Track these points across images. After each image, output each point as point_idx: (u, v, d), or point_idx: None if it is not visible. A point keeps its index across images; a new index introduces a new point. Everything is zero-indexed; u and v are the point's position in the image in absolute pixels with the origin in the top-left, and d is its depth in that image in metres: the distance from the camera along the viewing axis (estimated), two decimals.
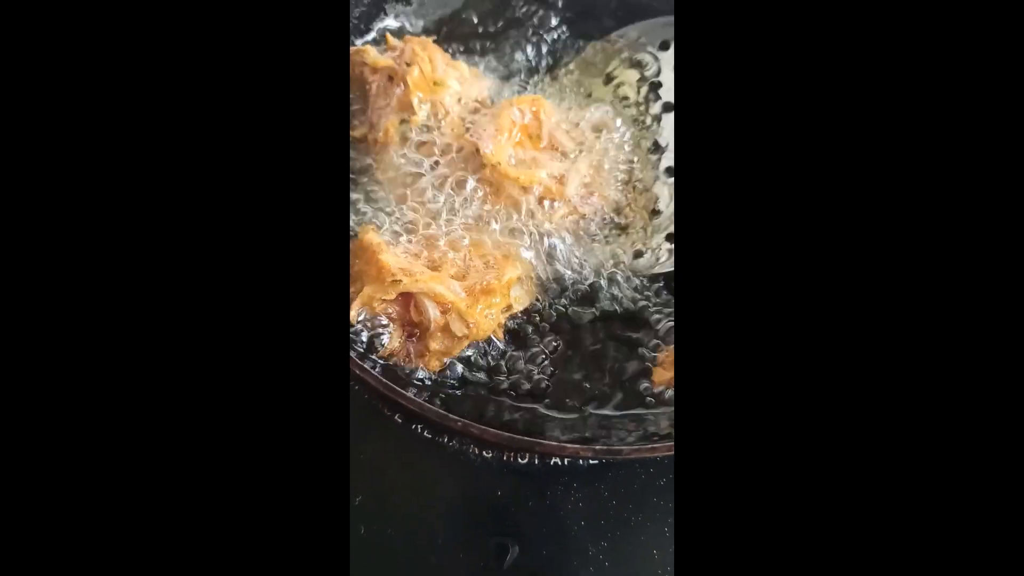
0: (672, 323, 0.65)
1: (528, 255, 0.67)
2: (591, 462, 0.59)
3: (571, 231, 0.69)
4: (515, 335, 0.65)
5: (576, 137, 0.72)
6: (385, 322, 0.62)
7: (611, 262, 0.69)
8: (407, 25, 0.84)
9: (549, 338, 0.65)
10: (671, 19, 0.77)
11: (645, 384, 0.63)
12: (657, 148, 0.74)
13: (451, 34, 0.84)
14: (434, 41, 0.74)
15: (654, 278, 0.68)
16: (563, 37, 0.85)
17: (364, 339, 0.62)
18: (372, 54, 0.72)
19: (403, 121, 0.69)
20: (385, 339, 0.61)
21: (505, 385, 0.63)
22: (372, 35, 0.83)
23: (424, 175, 0.68)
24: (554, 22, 0.85)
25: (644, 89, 0.77)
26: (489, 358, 0.64)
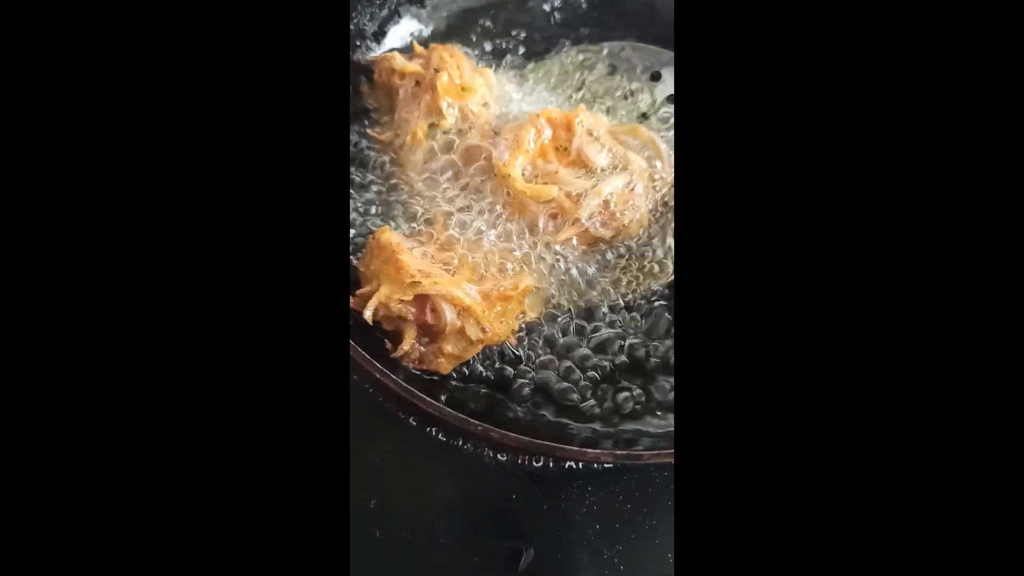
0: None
1: (542, 268, 0.67)
2: (606, 465, 0.59)
3: (579, 254, 0.67)
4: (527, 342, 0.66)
5: (618, 155, 0.68)
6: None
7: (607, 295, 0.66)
8: (423, 29, 0.85)
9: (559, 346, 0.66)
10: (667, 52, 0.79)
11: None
12: None
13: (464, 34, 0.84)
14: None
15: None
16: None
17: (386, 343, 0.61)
18: (399, 60, 0.73)
19: (432, 125, 0.70)
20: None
21: (523, 390, 0.64)
22: (387, 39, 0.83)
23: (447, 179, 0.68)
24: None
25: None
26: (502, 362, 0.64)
